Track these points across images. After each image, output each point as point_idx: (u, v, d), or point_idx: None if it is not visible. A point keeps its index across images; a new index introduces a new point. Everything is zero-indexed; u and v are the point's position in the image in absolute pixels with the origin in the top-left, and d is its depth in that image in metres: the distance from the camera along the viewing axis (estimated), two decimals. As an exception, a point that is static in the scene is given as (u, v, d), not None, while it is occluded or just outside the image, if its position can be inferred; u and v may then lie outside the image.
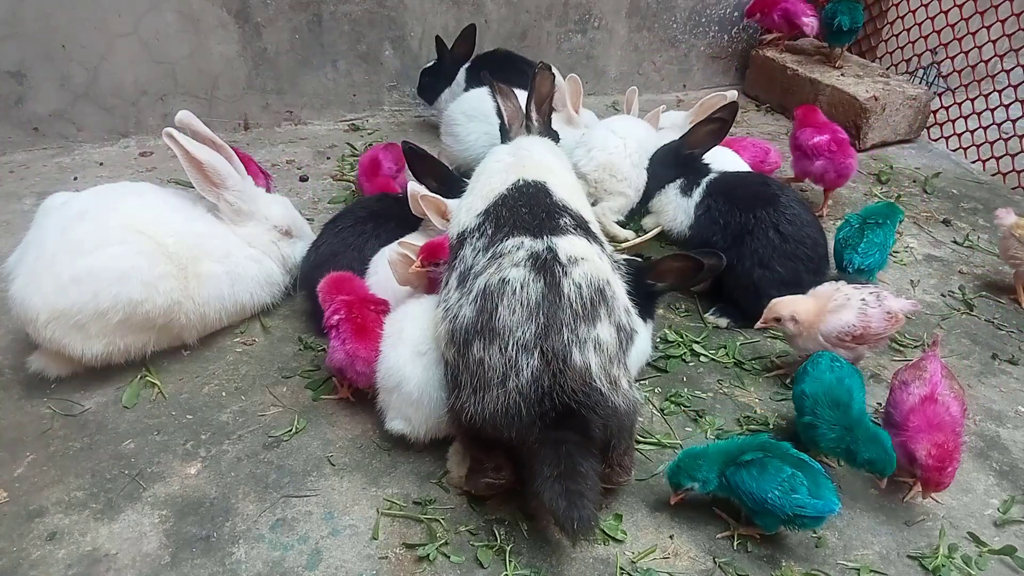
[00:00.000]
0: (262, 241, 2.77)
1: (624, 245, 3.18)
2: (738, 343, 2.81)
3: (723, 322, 2.91)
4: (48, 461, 2.22)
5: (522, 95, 2.69)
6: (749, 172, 3.36)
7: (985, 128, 4.42)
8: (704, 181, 3.07)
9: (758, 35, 5.19)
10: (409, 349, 2.18)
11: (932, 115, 4.67)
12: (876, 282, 3.03)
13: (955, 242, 3.62)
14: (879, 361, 2.78)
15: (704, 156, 3.17)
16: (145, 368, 2.56)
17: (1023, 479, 2.33)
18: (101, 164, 3.88)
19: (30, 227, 2.47)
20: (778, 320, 2.52)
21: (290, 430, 2.35)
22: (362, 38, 4.34)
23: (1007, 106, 4.30)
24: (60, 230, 2.37)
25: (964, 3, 4.54)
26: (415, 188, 2.69)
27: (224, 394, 2.50)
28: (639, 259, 2.51)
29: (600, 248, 2.18)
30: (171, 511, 2.08)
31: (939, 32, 4.71)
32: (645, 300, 2.38)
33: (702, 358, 2.75)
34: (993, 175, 4.34)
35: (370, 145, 4.13)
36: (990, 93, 4.43)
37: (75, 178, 3.72)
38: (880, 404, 2.41)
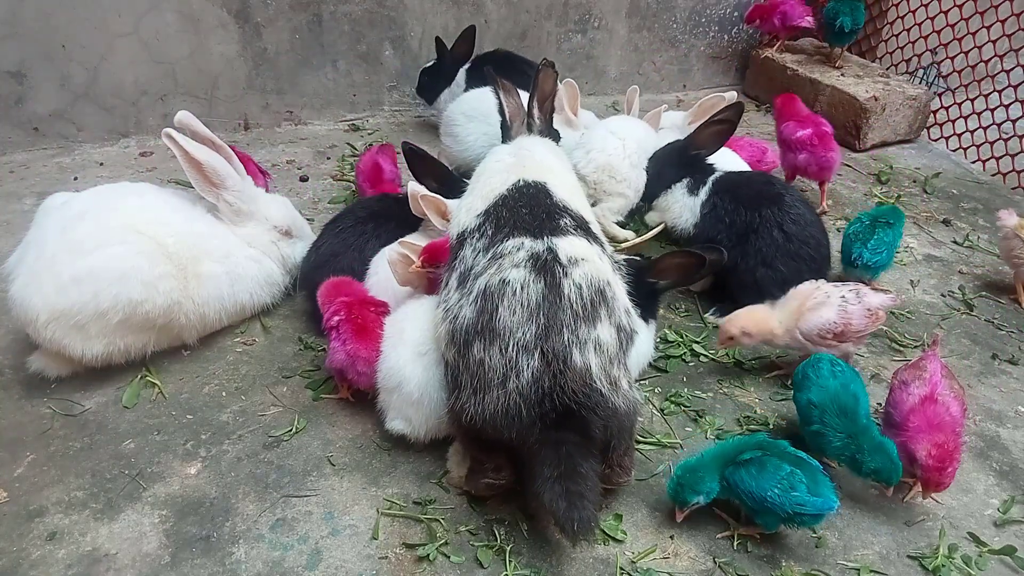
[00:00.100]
0: (262, 241, 2.77)
1: (624, 245, 3.18)
2: (738, 343, 2.81)
3: (723, 321, 2.90)
4: (48, 461, 2.23)
5: (522, 96, 2.69)
6: (753, 171, 3.37)
7: (985, 128, 4.42)
8: (710, 180, 3.07)
9: (758, 42, 5.18)
10: (410, 350, 2.18)
11: (932, 115, 4.67)
12: (874, 280, 3.06)
13: (955, 242, 3.62)
14: (879, 361, 2.78)
15: (710, 156, 3.17)
16: (145, 368, 2.56)
17: (1023, 479, 2.33)
18: (101, 164, 3.88)
19: (30, 227, 2.47)
20: (732, 339, 2.51)
21: (290, 430, 2.35)
22: (362, 38, 4.34)
23: (1007, 106, 4.30)
24: (60, 230, 2.37)
25: (964, 3, 4.54)
26: (415, 188, 2.69)
27: (224, 394, 2.50)
28: (639, 258, 2.50)
29: (600, 249, 2.18)
30: (171, 511, 2.08)
31: (939, 32, 4.71)
32: (647, 300, 2.38)
33: (702, 358, 2.75)
34: (993, 175, 4.34)
35: (369, 146, 4.13)
36: (990, 93, 4.43)
37: (75, 178, 3.72)
38: (880, 404, 2.41)
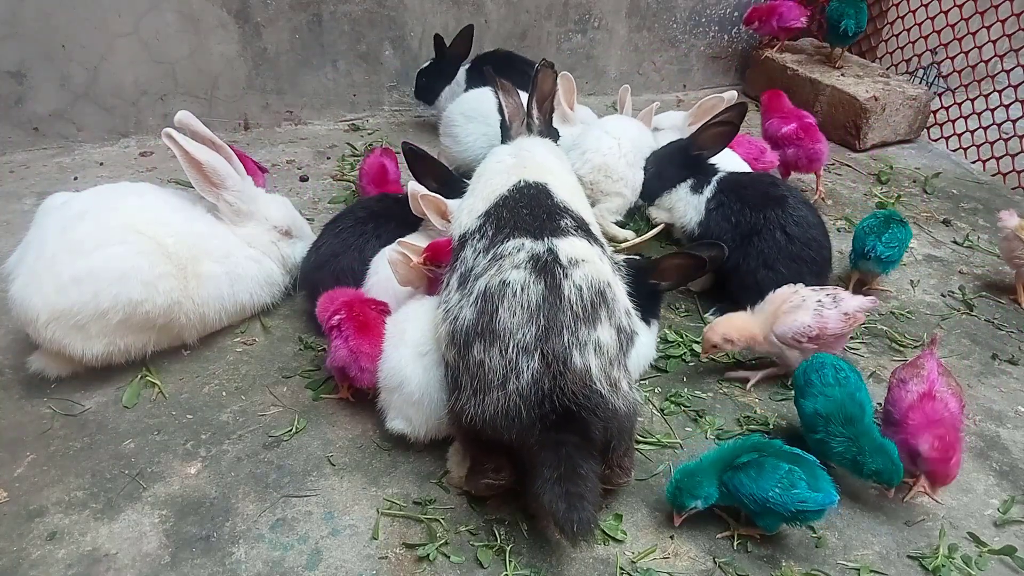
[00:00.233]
0: (262, 241, 2.77)
1: (624, 245, 3.18)
2: (738, 343, 2.81)
3: (705, 330, 2.90)
4: (48, 461, 2.23)
5: (522, 96, 2.68)
6: (758, 172, 3.36)
7: (985, 128, 4.42)
8: (714, 179, 3.07)
9: (759, 42, 5.18)
10: (410, 350, 2.18)
11: (932, 115, 4.67)
12: (883, 275, 3.08)
13: (955, 242, 3.62)
14: (879, 361, 2.79)
15: (712, 157, 3.17)
16: (145, 368, 2.56)
17: (1023, 479, 2.33)
18: (101, 164, 3.88)
19: (30, 227, 2.47)
20: (715, 346, 2.52)
21: (290, 430, 2.35)
22: (362, 38, 4.34)
23: (1007, 106, 4.31)
24: (60, 230, 2.37)
25: (964, 3, 4.54)
26: (415, 188, 2.69)
27: (224, 394, 2.50)
28: (639, 258, 2.50)
29: (601, 250, 2.18)
30: (171, 511, 2.08)
31: (939, 32, 4.71)
32: (648, 301, 2.38)
33: (702, 358, 2.75)
34: (993, 175, 4.34)
35: (369, 146, 4.14)
36: (990, 93, 4.43)
37: (75, 178, 3.72)
38: (880, 404, 2.41)
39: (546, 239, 2.04)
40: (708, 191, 3.06)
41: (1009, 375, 2.78)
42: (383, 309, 2.43)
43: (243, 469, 2.22)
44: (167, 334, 2.55)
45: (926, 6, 4.77)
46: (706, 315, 2.95)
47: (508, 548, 1.99)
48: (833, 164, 4.29)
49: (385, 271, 2.50)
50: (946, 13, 4.66)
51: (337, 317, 2.34)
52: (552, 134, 2.76)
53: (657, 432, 2.41)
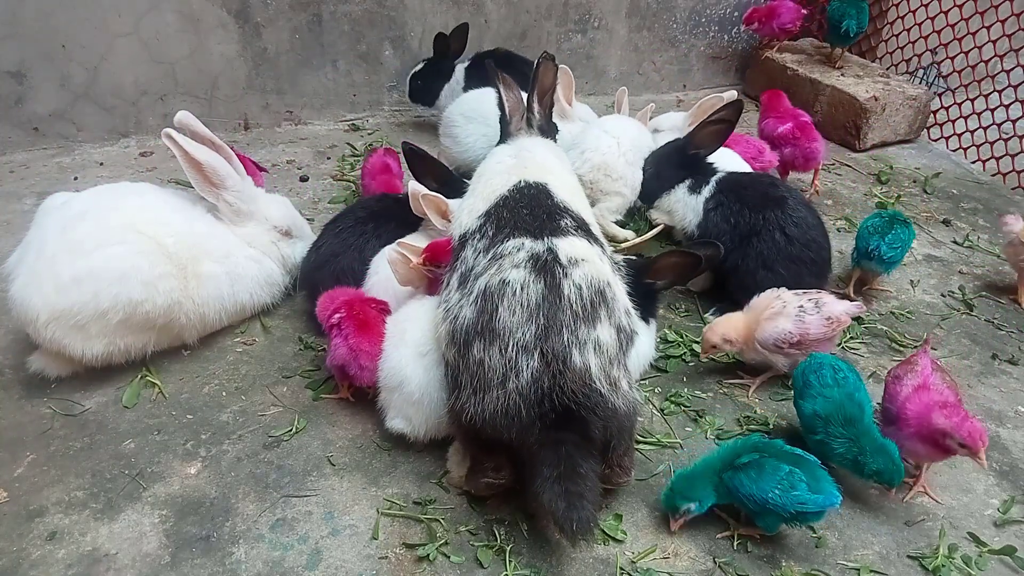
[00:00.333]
0: (262, 241, 2.77)
1: (624, 245, 3.18)
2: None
3: (704, 331, 2.90)
4: (48, 461, 2.23)
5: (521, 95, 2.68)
6: (758, 172, 3.36)
7: (985, 128, 4.42)
8: (713, 179, 3.07)
9: (759, 42, 5.18)
10: (411, 350, 2.19)
11: (932, 115, 4.67)
12: (885, 275, 3.09)
13: (955, 242, 3.62)
14: (879, 361, 2.78)
15: (709, 156, 3.17)
16: (145, 368, 2.56)
17: (1023, 479, 2.33)
18: (101, 164, 3.88)
19: (30, 227, 2.47)
20: (715, 347, 2.53)
21: (290, 430, 2.35)
22: (362, 38, 4.34)
23: (1007, 106, 4.31)
24: (60, 230, 2.37)
25: (964, 3, 4.54)
26: (416, 187, 2.69)
27: (224, 394, 2.50)
28: (638, 257, 2.50)
29: (601, 249, 2.18)
30: (171, 511, 2.08)
31: (939, 32, 4.71)
32: (646, 300, 2.38)
33: (702, 358, 2.75)
34: (993, 175, 4.34)
35: (370, 146, 4.14)
36: (990, 93, 4.43)
37: (75, 178, 3.72)
38: (879, 404, 2.41)
39: (546, 239, 2.04)
40: (706, 192, 3.05)
41: (1009, 375, 2.78)
42: (383, 308, 2.43)
43: (243, 469, 2.22)
44: (167, 334, 2.55)
45: (926, 6, 4.77)
46: (706, 315, 2.95)
47: (508, 548, 1.99)
48: (833, 164, 4.29)
49: (385, 271, 2.50)
50: (946, 13, 4.66)
51: (337, 316, 2.34)
52: (551, 129, 2.76)
53: (657, 432, 2.41)
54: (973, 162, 4.47)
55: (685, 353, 2.76)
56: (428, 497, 2.14)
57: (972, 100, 4.49)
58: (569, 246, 2.04)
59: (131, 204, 2.51)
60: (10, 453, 2.24)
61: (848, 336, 2.87)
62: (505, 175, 2.31)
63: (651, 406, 2.52)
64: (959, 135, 4.56)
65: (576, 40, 4.83)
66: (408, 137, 3.93)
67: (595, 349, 1.90)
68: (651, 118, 3.74)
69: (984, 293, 3.24)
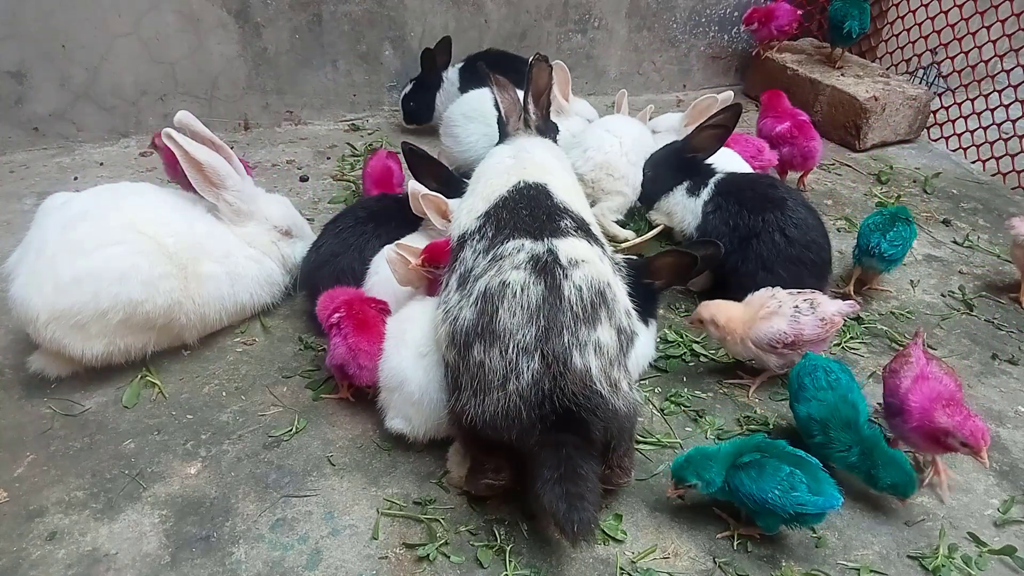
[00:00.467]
0: (262, 241, 2.77)
1: (624, 245, 3.18)
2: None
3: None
4: (48, 461, 2.23)
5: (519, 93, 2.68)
6: (757, 173, 3.36)
7: (985, 128, 4.42)
8: (711, 181, 3.06)
9: (755, 47, 5.17)
10: (411, 351, 2.19)
11: (932, 115, 4.67)
12: (885, 273, 3.09)
13: (955, 242, 3.62)
14: (879, 361, 2.78)
15: (706, 159, 3.16)
16: (145, 368, 2.56)
17: (1023, 479, 2.33)
18: (101, 164, 3.88)
19: (30, 227, 2.47)
20: (701, 321, 2.54)
21: (290, 430, 2.35)
22: (362, 38, 4.34)
23: (1007, 106, 4.30)
24: (60, 230, 2.37)
25: (964, 3, 4.54)
26: (416, 187, 2.69)
27: (224, 394, 2.50)
28: (634, 257, 2.50)
29: (601, 250, 2.17)
30: (171, 511, 2.08)
31: (939, 32, 4.71)
32: (645, 300, 2.37)
33: (702, 358, 2.75)
34: (993, 175, 4.34)
35: (370, 146, 4.14)
36: (990, 93, 4.43)
37: (75, 178, 3.72)
38: (879, 404, 2.41)
39: (546, 240, 2.03)
40: (705, 194, 3.05)
41: (1009, 375, 2.78)
42: (383, 308, 2.43)
43: (243, 469, 2.22)
44: (167, 334, 2.55)
45: (926, 6, 4.76)
46: (696, 315, 2.94)
47: (508, 548, 1.99)
48: (833, 164, 4.29)
49: (385, 271, 2.50)
50: (946, 13, 4.65)
51: (337, 315, 2.34)
52: (550, 130, 2.76)
53: (657, 432, 2.41)
54: (973, 162, 4.47)
55: (685, 353, 2.76)
56: (428, 497, 2.14)
57: (972, 100, 4.49)
58: (569, 247, 2.03)
59: (131, 204, 2.51)
60: (10, 453, 2.24)
61: (848, 336, 2.87)
62: (504, 175, 2.30)
63: (651, 406, 2.52)
64: (959, 135, 4.56)
65: (576, 40, 4.83)
66: (407, 137, 3.94)
67: (596, 350, 1.90)
68: (650, 119, 3.74)
69: (984, 293, 3.24)
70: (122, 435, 2.32)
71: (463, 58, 4.27)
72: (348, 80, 4.45)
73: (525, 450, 1.90)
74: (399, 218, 2.81)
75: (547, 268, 1.96)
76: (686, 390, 2.59)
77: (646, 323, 2.45)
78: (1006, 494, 2.27)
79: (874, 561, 2.03)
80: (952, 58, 4.67)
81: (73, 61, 3.80)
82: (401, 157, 3.21)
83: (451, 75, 4.21)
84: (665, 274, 2.48)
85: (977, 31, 4.49)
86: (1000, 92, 4.36)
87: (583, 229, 2.17)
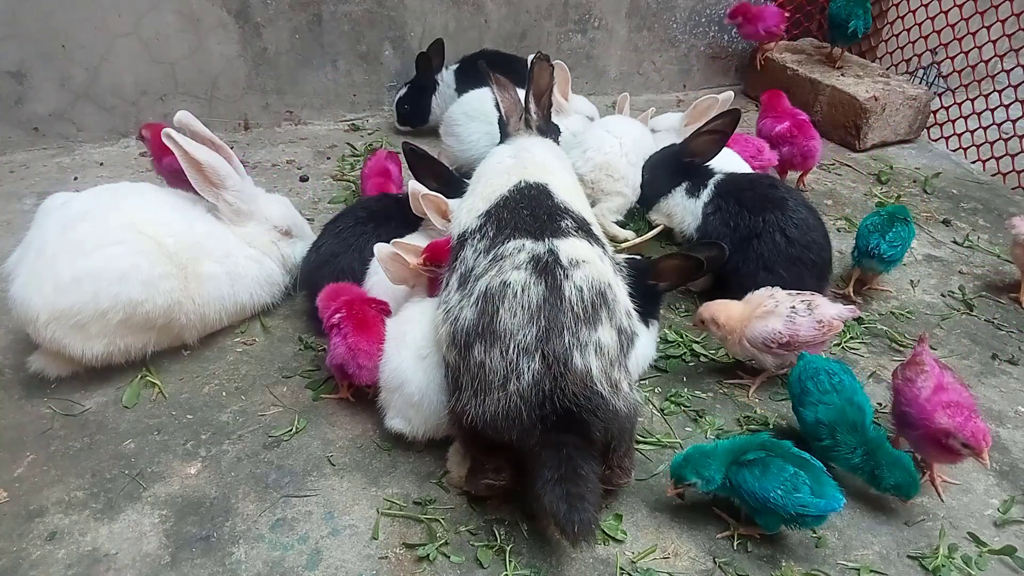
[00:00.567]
0: (262, 241, 2.77)
1: (624, 245, 3.18)
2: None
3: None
4: (48, 461, 2.23)
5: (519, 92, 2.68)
6: (757, 174, 3.36)
7: (985, 128, 4.42)
8: (711, 182, 3.06)
9: (753, 48, 5.16)
10: (411, 352, 2.19)
11: (932, 115, 4.67)
12: (884, 273, 3.09)
13: (955, 242, 3.62)
14: (879, 361, 2.78)
15: (704, 163, 3.16)
16: (145, 368, 2.56)
17: (1023, 479, 2.33)
18: (101, 164, 3.88)
19: (30, 227, 2.47)
20: (703, 323, 2.55)
21: (290, 430, 2.35)
22: (362, 38, 4.34)
23: (1007, 106, 4.30)
24: (60, 230, 2.37)
25: (964, 3, 4.54)
26: (416, 187, 2.69)
27: (224, 394, 2.50)
28: (638, 258, 2.50)
29: (602, 250, 2.17)
30: (171, 511, 2.08)
31: (939, 32, 4.71)
32: (647, 301, 2.37)
33: (702, 358, 2.75)
34: (993, 175, 4.34)
35: (370, 146, 4.14)
36: (990, 93, 4.43)
37: (75, 178, 3.72)
38: (880, 404, 2.41)
39: (547, 240, 2.03)
40: (705, 195, 3.04)
41: (1009, 375, 2.78)
42: (383, 308, 2.43)
43: (243, 469, 2.22)
44: (167, 334, 2.55)
45: (926, 6, 4.76)
46: (698, 314, 2.94)
47: (508, 548, 1.99)
48: (833, 164, 4.29)
49: (385, 271, 2.50)
50: (946, 13, 4.65)
51: (338, 315, 2.34)
52: (551, 130, 2.75)
53: (657, 432, 2.41)
54: (973, 162, 4.47)
55: (685, 353, 2.76)
56: (428, 497, 2.14)
57: (972, 100, 4.49)
58: (570, 247, 2.03)
59: (131, 204, 2.51)
60: (10, 453, 2.24)
61: (848, 336, 2.87)
62: (505, 175, 2.30)
63: (651, 406, 2.52)
64: (959, 135, 4.56)
65: (576, 40, 4.82)
66: (407, 137, 3.94)
67: (596, 351, 1.90)
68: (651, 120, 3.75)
69: (984, 293, 3.24)
70: (122, 435, 2.32)
71: (457, 60, 4.27)
72: (348, 80, 4.44)
73: (525, 450, 1.90)
74: (399, 218, 2.81)
75: (548, 268, 1.96)
76: (686, 390, 2.59)
77: (647, 324, 2.45)
78: (1006, 494, 2.27)
79: (874, 561, 2.03)
80: (952, 58, 4.67)
81: (73, 61, 3.80)
82: (401, 157, 3.21)
83: (446, 77, 4.22)
84: (670, 276, 2.48)
85: (977, 31, 4.49)
86: (1000, 92, 4.36)
87: (584, 229, 2.16)
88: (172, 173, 2.90)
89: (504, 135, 2.68)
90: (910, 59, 4.95)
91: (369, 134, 4.40)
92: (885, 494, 2.15)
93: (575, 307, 1.91)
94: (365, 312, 2.36)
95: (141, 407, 2.44)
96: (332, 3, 4.18)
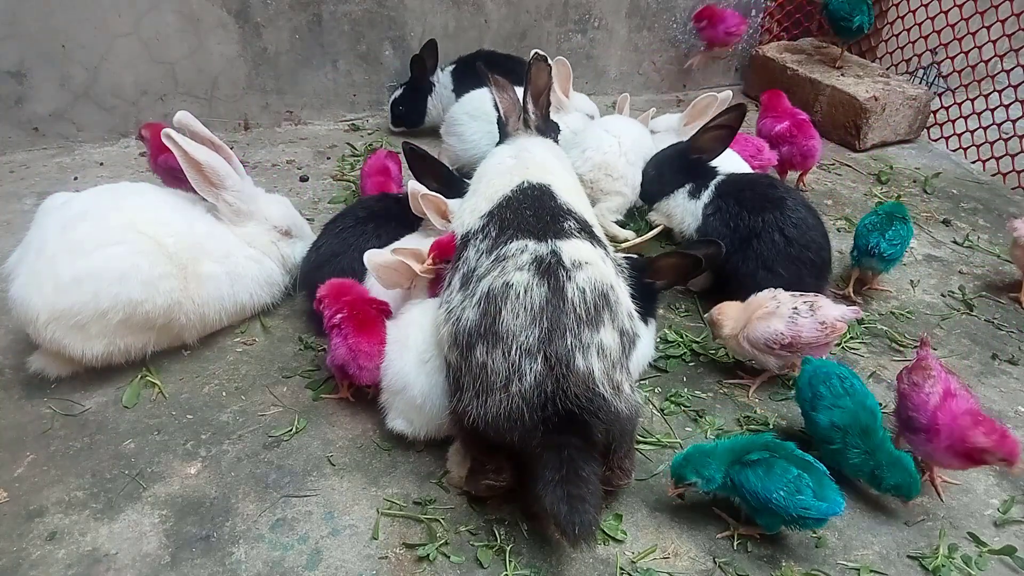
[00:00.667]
0: (262, 241, 2.77)
1: (624, 245, 3.18)
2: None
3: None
4: (48, 461, 2.23)
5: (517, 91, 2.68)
6: (756, 173, 3.36)
7: (985, 128, 4.42)
8: (712, 184, 3.05)
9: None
10: (414, 356, 2.18)
11: (932, 115, 4.67)
12: (884, 273, 3.09)
13: (955, 242, 3.62)
14: (879, 361, 2.78)
15: (711, 160, 3.16)
16: (145, 368, 2.56)
17: (1023, 479, 2.33)
18: (101, 164, 3.88)
19: (30, 227, 2.47)
20: (714, 323, 2.57)
21: (290, 430, 2.35)
22: (362, 38, 4.34)
23: (1007, 106, 4.30)
24: (60, 230, 2.37)
25: (964, 3, 4.54)
26: (416, 187, 2.69)
27: (224, 394, 2.50)
28: (636, 257, 2.50)
29: (604, 252, 2.17)
30: (171, 511, 2.08)
31: (939, 32, 4.71)
32: (645, 300, 2.37)
33: (702, 358, 2.75)
34: (993, 175, 4.33)
35: (370, 146, 4.14)
36: (990, 93, 4.42)
37: (75, 178, 3.71)
38: (881, 404, 2.39)
39: (549, 241, 2.03)
40: (706, 196, 3.04)
41: (1009, 375, 2.78)
42: (383, 308, 2.43)
43: (243, 469, 2.22)
44: (167, 334, 2.55)
45: (926, 6, 4.76)
46: (706, 315, 2.94)
47: (508, 548, 1.99)
48: (833, 164, 4.29)
49: (385, 271, 2.50)
50: (946, 13, 4.65)
51: (339, 316, 2.34)
52: (551, 130, 2.75)
53: (657, 432, 2.41)
54: (973, 162, 4.47)
55: (685, 353, 2.76)
56: (428, 497, 2.14)
57: (972, 100, 4.49)
58: (573, 249, 2.03)
59: (131, 204, 2.51)
60: (10, 453, 2.24)
61: (848, 336, 2.87)
62: (507, 175, 2.30)
63: (651, 406, 2.52)
64: (959, 135, 4.56)
65: (576, 40, 4.82)
66: (403, 138, 3.93)
67: (598, 353, 1.90)
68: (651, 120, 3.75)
69: (984, 293, 3.24)
70: (122, 435, 2.32)
71: (453, 60, 4.27)
72: (348, 80, 4.44)
73: (527, 451, 1.90)
74: (399, 218, 2.81)
75: (551, 270, 1.96)
76: (686, 390, 2.59)
77: (646, 323, 2.45)
78: (1006, 494, 2.27)
79: (874, 561, 2.03)
80: (952, 58, 4.67)
81: (73, 61, 3.80)
82: (401, 157, 3.21)
83: (443, 78, 4.21)
84: (668, 275, 2.48)
85: (977, 31, 4.49)
86: (1000, 92, 4.36)
87: (586, 231, 2.17)
88: (167, 171, 2.91)
89: (503, 135, 2.67)
90: (910, 59, 4.95)
91: (369, 134, 4.40)
92: (885, 495, 2.15)
93: (578, 309, 1.91)
94: (366, 312, 2.36)
95: (141, 407, 2.44)
96: (332, 3, 4.18)
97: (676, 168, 3.16)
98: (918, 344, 2.37)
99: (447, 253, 2.30)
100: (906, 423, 2.19)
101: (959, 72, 4.64)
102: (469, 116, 3.62)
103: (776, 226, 2.80)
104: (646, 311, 2.43)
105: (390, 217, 2.83)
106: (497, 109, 2.67)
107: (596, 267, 2.03)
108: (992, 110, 4.37)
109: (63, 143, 3.99)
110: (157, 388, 2.50)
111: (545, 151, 2.50)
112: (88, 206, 2.45)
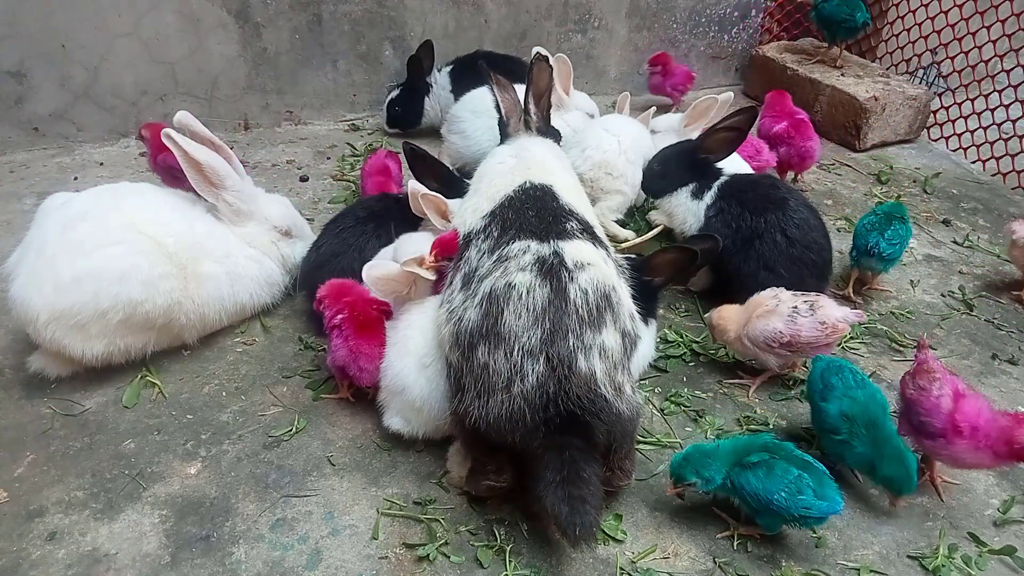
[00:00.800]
0: (262, 241, 2.77)
1: (624, 245, 3.18)
2: (738, 343, 2.80)
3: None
4: (48, 461, 2.23)
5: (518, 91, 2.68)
6: (758, 174, 3.35)
7: (985, 128, 4.42)
8: (715, 185, 3.05)
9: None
10: (414, 359, 2.18)
11: (932, 115, 4.67)
12: (883, 273, 3.09)
13: (955, 242, 3.62)
14: (879, 361, 2.78)
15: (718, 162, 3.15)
16: (145, 368, 2.56)
17: (1023, 479, 2.33)
18: (101, 164, 3.88)
19: (30, 227, 2.47)
20: (714, 328, 2.58)
21: (290, 430, 2.35)
22: (362, 38, 4.34)
23: (1007, 106, 4.30)
24: (60, 230, 2.37)
25: (964, 3, 4.54)
26: (416, 187, 2.69)
27: (224, 394, 2.50)
28: (633, 256, 2.50)
29: (606, 252, 2.17)
30: (171, 511, 2.08)
31: (939, 32, 4.71)
32: (645, 299, 2.37)
33: (702, 358, 2.75)
34: (993, 175, 4.34)
35: (370, 146, 4.14)
36: (990, 93, 4.43)
37: (75, 178, 3.71)
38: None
39: (552, 242, 2.03)
40: (708, 197, 3.03)
41: (1009, 375, 2.78)
42: (384, 309, 2.43)
43: (243, 469, 2.22)
44: (167, 334, 2.55)
45: (926, 6, 4.76)
46: (706, 315, 2.94)
47: (508, 548, 1.99)
48: (833, 164, 4.29)
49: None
50: (946, 13, 4.65)
51: (340, 316, 2.34)
52: (552, 131, 2.75)
53: (657, 432, 2.41)
54: (973, 162, 4.47)
55: (685, 353, 2.76)
56: (428, 497, 2.14)
57: (972, 100, 4.49)
58: (575, 250, 2.03)
59: (131, 204, 2.51)
60: (10, 453, 2.24)
61: (848, 336, 2.86)
62: (509, 175, 2.30)
63: (651, 406, 2.52)
64: (959, 135, 4.56)
65: (576, 40, 4.82)
66: (400, 138, 3.93)
67: (600, 354, 1.90)
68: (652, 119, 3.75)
69: (984, 293, 3.24)
70: (122, 435, 2.32)
71: (450, 61, 4.27)
72: (348, 80, 4.44)
73: (528, 452, 1.89)
74: (399, 218, 2.81)
75: (553, 270, 1.96)
76: (686, 390, 2.59)
77: (646, 322, 2.45)
78: (1006, 494, 2.27)
79: (874, 561, 2.03)
80: (952, 58, 4.67)
81: (73, 61, 3.80)
82: (401, 157, 3.21)
83: (440, 79, 4.21)
84: (665, 271, 2.47)
85: (977, 31, 4.49)
86: (1000, 92, 4.36)
87: (588, 231, 2.16)
88: (167, 171, 2.91)
89: (504, 135, 2.67)
90: (910, 59, 4.95)
91: (369, 134, 4.40)
92: (878, 485, 2.14)
93: (580, 310, 1.91)
94: (367, 313, 2.36)
95: (141, 407, 2.44)
96: (332, 3, 4.18)
97: (682, 166, 3.14)
98: (916, 346, 2.36)
99: (450, 250, 2.30)
100: (919, 428, 2.14)
101: (959, 72, 4.64)
102: (472, 113, 3.63)
103: (778, 227, 2.80)
104: (646, 311, 2.43)
105: (390, 217, 2.83)
106: (498, 109, 2.67)
107: (598, 268, 2.03)
108: (992, 110, 4.37)
109: (63, 143, 3.99)
110: (157, 388, 2.50)
111: (546, 151, 2.50)
112: (88, 206, 2.45)
